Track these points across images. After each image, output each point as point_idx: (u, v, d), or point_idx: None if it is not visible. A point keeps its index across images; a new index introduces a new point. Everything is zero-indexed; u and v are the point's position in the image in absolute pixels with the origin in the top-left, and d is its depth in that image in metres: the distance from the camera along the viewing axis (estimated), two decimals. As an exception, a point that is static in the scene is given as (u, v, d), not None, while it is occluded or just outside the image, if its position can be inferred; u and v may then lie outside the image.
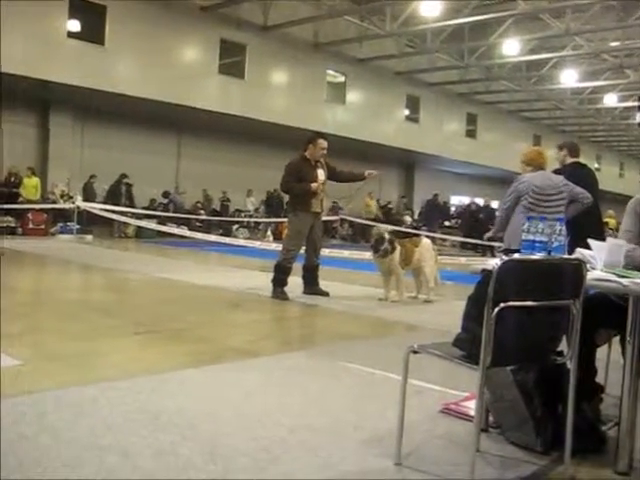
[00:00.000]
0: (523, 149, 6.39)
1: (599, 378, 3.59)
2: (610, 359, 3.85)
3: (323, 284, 8.26)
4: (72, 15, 17.33)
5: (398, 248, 7.96)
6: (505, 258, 2.52)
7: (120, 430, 3.03)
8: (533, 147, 6.26)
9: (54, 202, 17.90)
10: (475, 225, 20.41)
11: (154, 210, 19.71)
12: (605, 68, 24.93)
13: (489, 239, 6.05)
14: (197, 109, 19.57)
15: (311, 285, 8.18)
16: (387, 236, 7.97)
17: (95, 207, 17.27)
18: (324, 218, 8.71)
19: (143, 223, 17.96)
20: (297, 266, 8.17)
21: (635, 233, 3.48)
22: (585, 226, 5.30)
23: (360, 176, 8.52)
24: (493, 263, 2.51)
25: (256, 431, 3.16)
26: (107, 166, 19.35)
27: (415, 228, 22.42)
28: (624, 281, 2.93)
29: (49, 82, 16.66)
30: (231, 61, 21.01)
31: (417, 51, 24.13)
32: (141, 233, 18.41)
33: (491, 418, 3.37)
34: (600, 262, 3.30)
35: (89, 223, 17.58)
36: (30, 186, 17.44)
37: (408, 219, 25.06)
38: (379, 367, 4.48)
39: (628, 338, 2.93)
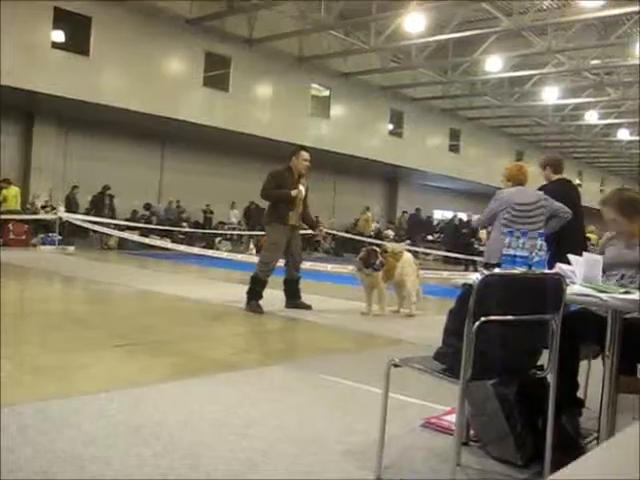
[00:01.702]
0: (506, 164, 6.47)
1: (580, 393, 3.62)
2: (590, 373, 3.88)
3: (305, 297, 8.27)
4: (57, 26, 17.28)
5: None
6: (486, 272, 2.54)
7: (102, 442, 3.02)
8: (515, 163, 6.35)
9: (35, 213, 17.77)
10: (458, 240, 20.52)
11: (136, 222, 19.62)
12: (586, 85, 25.23)
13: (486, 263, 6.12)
14: (181, 121, 19.55)
15: (293, 298, 8.17)
16: (379, 249, 8.06)
17: (78, 218, 17.16)
18: (307, 232, 8.73)
19: (125, 235, 17.87)
20: (280, 279, 8.19)
21: None
22: (568, 241, 5.37)
23: (315, 227, 8.82)
24: (474, 277, 2.54)
25: (237, 443, 3.15)
26: (90, 177, 19.27)
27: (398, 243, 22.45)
28: (603, 296, 2.96)
29: (33, 92, 16.58)
30: (216, 74, 21.03)
31: (401, 66, 24.29)
32: (123, 245, 18.32)
33: (472, 432, 3.38)
34: (579, 277, 3.34)
35: (71, 234, 17.47)
36: (10, 196, 17.26)
37: (390, 233, 25.12)
38: (361, 381, 4.48)
39: (607, 352, 2.96)
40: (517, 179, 6.03)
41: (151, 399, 3.82)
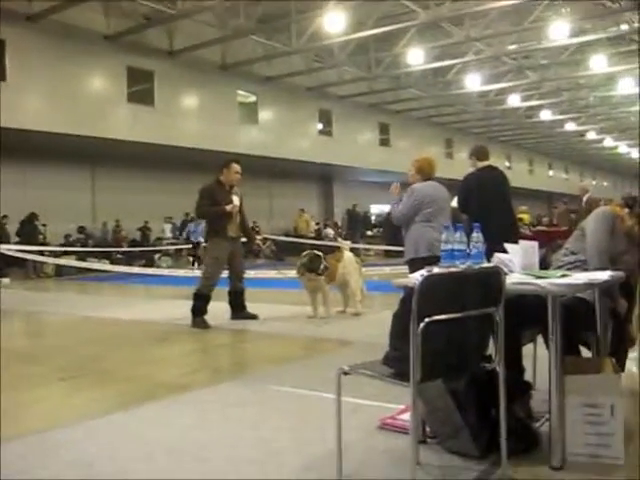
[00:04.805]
0: (415, 157, 6.66)
1: (528, 375, 3.69)
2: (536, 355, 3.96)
3: (251, 306, 8.21)
4: (-32, 53, 16.75)
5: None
6: (425, 274, 2.55)
7: (52, 485, 2.93)
8: (424, 156, 6.56)
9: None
10: (397, 233, 20.70)
11: (71, 246, 19.14)
12: (506, 70, 25.79)
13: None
14: (108, 139, 19.14)
15: (239, 310, 8.11)
16: (321, 253, 8.07)
17: (10, 249, 16.63)
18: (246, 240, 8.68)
19: (62, 261, 17.41)
20: (223, 290, 8.11)
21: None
22: (500, 228, 5.48)
23: (253, 239, 9.16)
24: (414, 279, 2.54)
25: (194, 467, 3.11)
26: (20, 205, 18.63)
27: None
28: (541, 282, 3.02)
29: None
30: (140, 88, 20.66)
31: (325, 66, 24.37)
32: (61, 271, 17.86)
33: (428, 429, 3.40)
34: (517, 265, 3.40)
35: (5, 266, 16.91)
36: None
37: (330, 232, 25.15)
38: (313, 388, 4.47)
39: (551, 336, 3.02)
40: (427, 173, 6.27)
41: (101, 432, 3.73)
